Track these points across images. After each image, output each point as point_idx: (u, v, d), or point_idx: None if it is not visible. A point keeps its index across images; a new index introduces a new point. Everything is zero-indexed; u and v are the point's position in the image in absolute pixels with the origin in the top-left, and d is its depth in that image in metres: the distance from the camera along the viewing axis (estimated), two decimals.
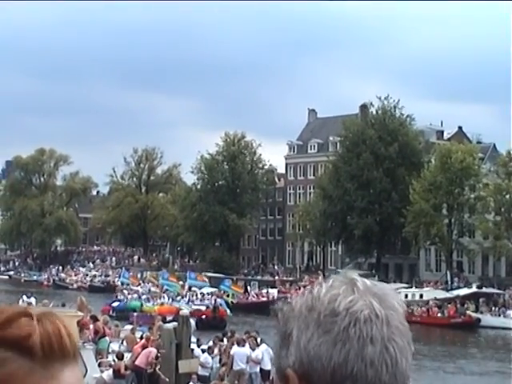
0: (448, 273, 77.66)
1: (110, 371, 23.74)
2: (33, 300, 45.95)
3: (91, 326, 27.78)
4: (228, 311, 57.76)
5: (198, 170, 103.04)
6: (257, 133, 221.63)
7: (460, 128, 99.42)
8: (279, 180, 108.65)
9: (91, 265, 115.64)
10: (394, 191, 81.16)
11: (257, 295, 74.67)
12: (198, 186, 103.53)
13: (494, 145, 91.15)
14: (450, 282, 76.06)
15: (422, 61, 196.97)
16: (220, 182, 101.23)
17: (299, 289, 66.50)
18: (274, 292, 74.27)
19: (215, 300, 60.86)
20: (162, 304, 58.18)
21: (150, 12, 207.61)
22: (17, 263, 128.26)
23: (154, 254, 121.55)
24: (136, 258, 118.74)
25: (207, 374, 26.13)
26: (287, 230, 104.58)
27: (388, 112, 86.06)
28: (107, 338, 28.18)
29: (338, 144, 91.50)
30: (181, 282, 71.36)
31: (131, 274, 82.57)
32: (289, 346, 1.39)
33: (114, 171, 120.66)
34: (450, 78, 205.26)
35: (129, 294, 65.22)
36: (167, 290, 66.46)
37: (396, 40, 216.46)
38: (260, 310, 60.51)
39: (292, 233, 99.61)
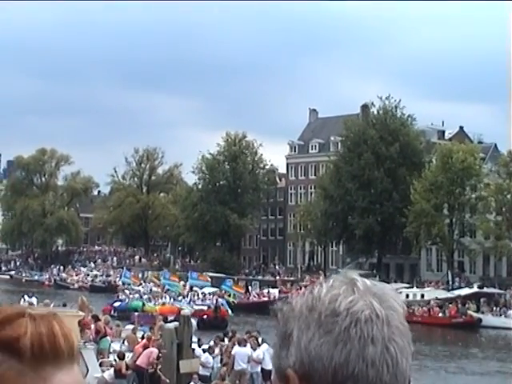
0: (449, 273, 77.68)
1: (111, 371, 23.76)
2: (34, 300, 46.01)
3: (92, 326, 27.81)
4: (229, 311, 57.75)
5: (199, 169, 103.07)
6: (258, 133, 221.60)
7: (461, 128, 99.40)
8: (280, 180, 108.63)
9: (92, 265, 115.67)
10: (395, 191, 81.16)
11: (258, 295, 74.69)
12: (199, 186, 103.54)
13: (495, 145, 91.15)
14: (451, 282, 76.08)
15: (423, 61, 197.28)
16: (221, 182, 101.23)
17: (300, 289, 66.44)
18: (275, 292, 74.28)
19: (217, 300, 60.83)
20: (164, 304, 58.16)
21: (149, 12, 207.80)
22: (18, 263, 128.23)
23: (155, 254, 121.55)
24: (137, 257, 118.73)
25: (208, 374, 26.15)
26: (288, 229, 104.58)
27: (389, 112, 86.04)
28: (108, 337, 28.19)
29: (339, 144, 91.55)
30: (182, 282, 71.41)
31: (132, 273, 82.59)
32: (289, 346, 1.38)
33: (115, 171, 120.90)
34: (451, 78, 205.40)
35: (130, 293, 65.22)
36: (168, 289, 66.51)
37: (397, 40, 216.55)
38: (261, 309, 60.46)
39: (293, 233, 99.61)
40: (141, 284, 75.13)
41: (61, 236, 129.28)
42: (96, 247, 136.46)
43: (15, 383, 1.21)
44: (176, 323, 26.29)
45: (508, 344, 51.95)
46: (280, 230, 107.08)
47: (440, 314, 64.13)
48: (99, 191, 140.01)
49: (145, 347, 25.10)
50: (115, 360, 25.16)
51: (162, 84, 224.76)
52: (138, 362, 24.18)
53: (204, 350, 27.56)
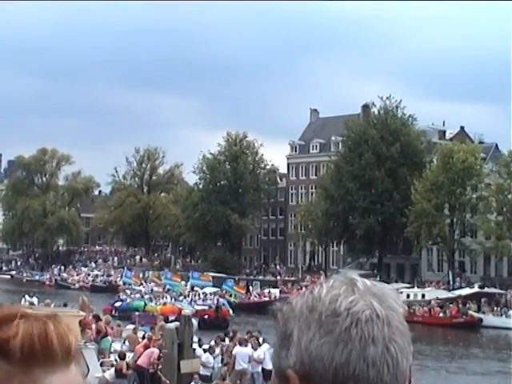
0: (450, 273, 77.66)
1: (112, 370, 23.77)
2: (35, 300, 45.99)
3: (93, 326, 27.83)
4: (230, 311, 57.74)
5: (200, 169, 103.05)
6: (259, 133, 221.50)
7: (462, 128, 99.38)
8: (281, 180, 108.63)
9: (93, 265, 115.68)
10: (395, 191, 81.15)
11: (259, 295, 74.68)
12: (200, 186, 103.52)
13: (496, 145, 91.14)
14: (451, 282, 76.07)
15: (424, 61, 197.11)
16: (222, 182, 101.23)
17: (301, 289, 66.45)
18: (275, 292, 74.25)
19: (218, 300, 60.83)
20: (165, 304, 58.16)
21: (150, 12, 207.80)
22: (19, 263, 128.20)
23: (155, 254, 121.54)
24: (138, 257, 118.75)
25: (209, 374, 26.17)
26: (289, 229, 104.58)
27: (390, 112, 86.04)
28: (109, 337, 28.21)
29: (340, 144, 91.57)
30: (183, 282, 71.43)
31: (133, 273, 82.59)
32: (289, 346, 1.38)
33: (116, 171, 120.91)
34: (451, 78, 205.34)
35: (131, 293, 65.23)
36: (169, 289, 66.52)
37: (398, 40, 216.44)
38: (262, 309, 60.30)
39: (294, 233, 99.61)
40: (141, 284, 75.13)
41: (62, 236, 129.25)
42: (97, 247, 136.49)
43: None
44: (177, 323, 26.31)
45: (509, 344, 51.87)
46: (281, 230, 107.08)
47: (441, 314, 64.14)
48: (100, 191, 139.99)
49: (146, 347, 25.11)
50: (116, 360, 25.18)
51: (163, 84, 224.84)
52: (138, 362, 24.19)
53: (205, 350, 27.57)
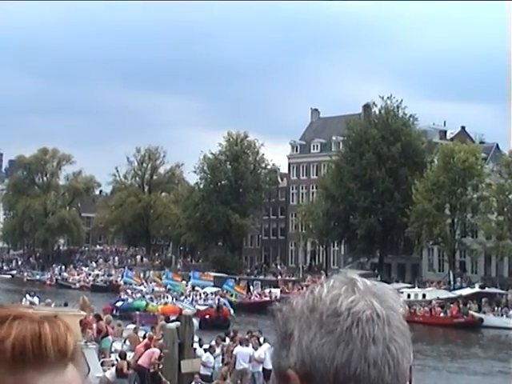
0: (451, 273, 77.62)
1: (113, 369, 23.76)
2: (36, 299, 46.02)
3: (94, 326, 27.84)
4: (231, 311, 57.74)
5: (201, 169, 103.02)
6: (259, 132, 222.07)
7: (463, 128, 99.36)
8: (282, 180, 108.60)
9: (94, 264, 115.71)
10: (396, 191, 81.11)
11: (259, 295, 74.69)
12: (201, 186, 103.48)
13: (497, 145, 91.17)
14: (452, 282, 76.03)
15: (425, 61, 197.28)
16: (223, 182, 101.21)
17: (302, 288, 66.40)
18: (276, 292, 74.21)
19: (219, 300, 60.85)
20: (166, 304, 58.17)
21: (150, 12, 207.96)
22: (19, 262, 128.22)
23: (156, 254, 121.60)
24: (139, 257, 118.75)
25: (209, 374, 26.17)
26: (290, 229, 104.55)
27: (391, 112, 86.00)
28: (110, 337, 28.23)
29: (341, 144, 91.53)
30: (184, 282, 71.43)
31: (134, 273, 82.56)
32: (289, 346, 1.38)
33: (117, 171, 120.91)
34: (452, 78, 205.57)
35: (132, 293, 65.23)
36: (170, 289, 66.54)
37: (399, 40, 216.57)
38: (263, 309, 60.38)
39: (295, 232, 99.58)
40: (142, 284, 75.12)
41: (62, 235, 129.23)
42: (97, 247, 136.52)
43: None
44: (177, 323, 26.31)
45: (509, 344, 51.90)
46: (282, 230, 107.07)
47: (441, 314, 64.13)
48: (101, 191, 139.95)
49: (146, 347, 25.10)
50: (117, 359, 25.17)
51: (164, 84, 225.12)
52: (139, 362, 24.19)
53: (205, 350, 27.58)
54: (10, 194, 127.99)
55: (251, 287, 79.39)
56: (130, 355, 25.48)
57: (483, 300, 66.00)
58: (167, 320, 32.36)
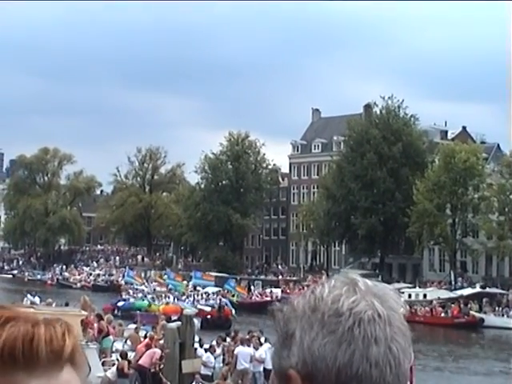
0: (451, 273, 77.62)
1: (114, 368, 23.75)
2: (37, 299, 46.02)
3: (95, 325, 27.85)
4: (233, 311, 57.75)
5: (202, 169, 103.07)
6: (260, 132, 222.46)
7: (464, 128, 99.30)
8: (283, 180, 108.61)
9: (95, 264, 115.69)
10: (397, 191, 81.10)
11: (260, 295, 74.69)
12: (202, 186, 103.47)
13: (498, 145, 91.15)
14: (453, 282, 76.02)
15: (426, 61, 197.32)
16: (224, 182, 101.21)
17: (303, 288, 66.38)
18: (277, 292, 74.21)
19: (220, 300, 60.86)
20: (167, 303, 58.19)
21: (150, 12, 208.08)
22: (20, 262, 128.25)
23: (157, 254, 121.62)
24: (140, 257, 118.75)
25: (210, 374, 26.19)
26: (291, 229, 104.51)
27: (392, 112, 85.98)
28: (111, 337, 28.24)
29: (342, 144, 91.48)
30: (185, 282, 71.44)
31: (135, 273, 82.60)
32: (291, 346, 1.38)
33: (118, 170, 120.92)
34: (453, 78, 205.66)
35: (134, 293, 65.24)
36: (171, 289, 66.59)
37: (400, 40, 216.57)
38: (263, 309, 60.44)
39: (296, 232, 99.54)
40: (144, 284, 75.12)
41: (63, 235, 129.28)
42: (98, 246, 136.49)
43: None
44: (178, 323, 26.32)
45: (510, 344, 51.94)
46: (282, 230, 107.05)
47: (442, 314, 64.15)
48: (102, 191, 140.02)
49: (147, 347, 25.09)
50: (117, 359, 25.18)
51: (164, 84, 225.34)
52: (140, 362, 24.18)
53: (206, 350, 27.59)
54: (11, 194, 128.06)
55: (252, 287, 79.41)
56: (130, 355, 25.48)
57: (484, 300, 66.01)
58: (168, 320, 32.33)
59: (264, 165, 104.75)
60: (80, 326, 23.73)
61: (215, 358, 27.38)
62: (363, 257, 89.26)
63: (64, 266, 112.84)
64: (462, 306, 64.26)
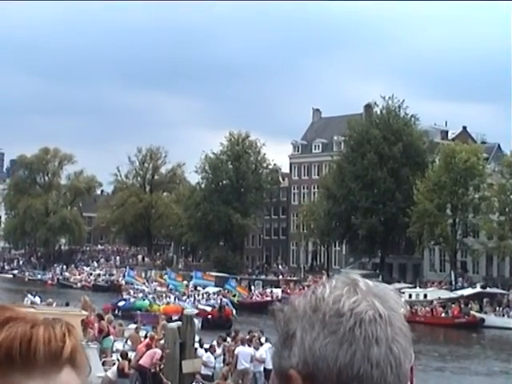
0: (452, 273, 77.61)
1: (115, 368, 23.72)
2: (37, 299, 46.03)
3: (96, 325, 27.85)
4: (234, 311, 57.74)
5: (202, 169, 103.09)
6: (261, 132, 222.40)
7: (464, 128, 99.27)
8: (283, 179, 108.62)
9: (95, 264, 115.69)
10: (398, 191, 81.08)
11: (261, 295, 74.68)
12: (202, 186, 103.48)
13: (499, 145, 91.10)
14: (454, 282, 76.00)
15: (427, 61, 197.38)
16: (224, 182, 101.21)
17: (303, 288, 66.34)
18: (278, 292, 74.21)
19: (221, 300, 60.86)
20: (168, 303, 58.19)
21: (150, 12, 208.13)
22: (21, 262, 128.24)
23: (158, 254, 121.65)
24: (140, 257, 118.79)
25: (210, 374, 26.18)
26: (291, 229, 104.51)
27: (392, 112, 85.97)
28: (111, 337, 28.23)
29: (343, 144, 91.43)
30: (185, 282, 71.41)
31: (135, 273, 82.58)
32: (291, 346, 1.38)
33: (119, 170, 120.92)
34: (454, 78, 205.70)
35: (134, 293, 65.24)
36: (172, 289, 66.59)
37: (401, 40, 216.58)
38: (264, 309, 60.44)
39: (296, 232, 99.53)
40: (144, 283, 75.10)
41: (64, 235, 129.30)
42: (99, 246, 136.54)
43: None
44: (179, 323, 26.31)
45: (511, 344, 51.93)
46: (283, 230, 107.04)
47: (443, 314, 64.14)
48: (102, 190, 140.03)
49: (148, 347, 25.07)
50: (118, 359, 25.17)
51: (165, 84, 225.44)
52: (140, 362, 24.16)
53: (206, 350, 27.59)
54: (11, 194, 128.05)
55: (252, 287, 79.42)
56: (131, 355, 25.47)
57: (484, 300, 66.00)
58: (169, 320, 32.32)
59: (264, 165, 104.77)
60: (80, 326, 23.73)
61: (215, 358, 27.37)
62: (364, 257, 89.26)
63: (64, 266, 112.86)
64: (462, 306, 64.24)
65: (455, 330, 58.38)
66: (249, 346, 26.85)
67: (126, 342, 29.90)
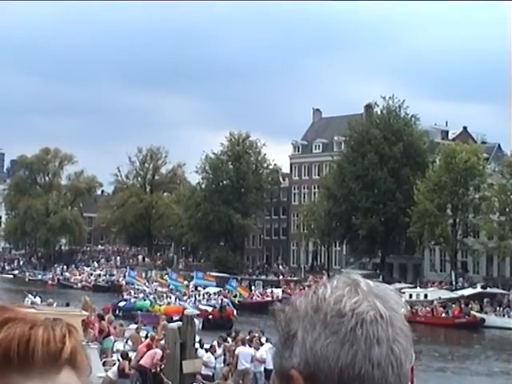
0: (452, 273, 77.60)
1: (115, 368, 23.73)
2: (38, 299, 46.05)
3: (96, 325, 27.85)
4: (235, 311, 57.75)
5: (203, 169, 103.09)
6: (261, 132, 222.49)
7: (465, 128, 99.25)
8: (284, 180, 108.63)
9: (96, 264, 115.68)
10: (398, 191, 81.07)
11: (261, 295, 74.67)
12: (203, 186, 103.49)
13: (499, 145, 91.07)
14: (454, 282, 75.99)
15: (427, 61, 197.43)
16: (224, 182, 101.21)
17: (304, 289, 66.30)
18: (278, 292, 74.22)
19: (222, 300, 60.87)
20: (169, 304, 58.20)
21: (150, 12, 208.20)
22: (21, 262, 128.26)
23: (158, 254, 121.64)
24: (140, 257, 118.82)
25: (211, 374, 26.18)
26: (292, 229, 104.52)
27: (393, 112, 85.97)
28: (112, 337, 28.23)
29: (343, 144, 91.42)
30: (186, 282, 71.41)
31: (136, 273, 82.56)
32: (293, 346, 1.38)
33: (119, 170, 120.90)
34: (454, 78, 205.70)
35: (135, 293, 65.23)
36: (172, 289, 66.60)
37: (400, 40, 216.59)
38: (264, 309, 60.43)
39: (296, 232, 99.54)
40: (145, 284, 75.08)
41: (64, 235, 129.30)
42: (99, 247, 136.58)
43: None
44: (179, 323, 26.29)
45: (511, 344, 51.91)
46: (283, 230, 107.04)
47: (443, 314, 64.13)
48: (103, 191, 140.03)
49: (148, 347, 25.07)
50: (118, 359, 25.17)
51: (165, 84, 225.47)
52: (141, 362, 24.16)
53: (206, 350, 27.58)
54: (11, 194, 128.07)
55: (253, 287, 79.42)
56: (131, 355, 25.47)
57: (485, 300, 65.99)
58: (170, 320, 32.31)
59: (265, 165, 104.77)
60: (81, 327, 23.73)
61: (216, 358, 27.37)
62: (364, 257, 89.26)
63: (65, 266, 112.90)
64: (462, 306, 64.23)
65: (456, 330, 58.37)
66: (249, 346, 26.84)
67: (127, 342, 29.90)
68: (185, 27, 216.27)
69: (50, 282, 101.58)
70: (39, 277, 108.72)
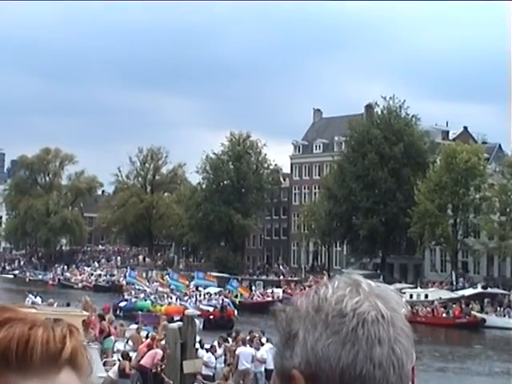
0: (453, 273, 77.58)
1: (116, 368, 23.72)
2: (38, 299, 46.07)
3: (97, 325, 27.84)
4: (235, 311, 57.73)
5: (203, 169, 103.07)
6: (262, 132, 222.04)
7: (465, 128, 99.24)
8: (284, 180, 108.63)
9: (96, 264, 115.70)
10: (399, 191, 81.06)
11: (262, 295, 74.66)
12: (203, 186, 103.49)
13: (500, 145, 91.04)
14: (455, 283, 75.99)
15: (428, 61, 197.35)
16: (225, 182, 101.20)
17: (304, 289, 66.36)
18: (278, 292, 74.22)
19: (222, 300, 60.86)
20: (170, 304, 58.19)
21: (150, 12, 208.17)
22: (22, 262, 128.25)
23: (158, 254, 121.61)
24: (141, 257, 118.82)
25: (211, 374, 26.17)
26: (292, 229, 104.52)
27: (393, 112, 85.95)
28: (112, 337, 28.21)
29: (343, 144, 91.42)
30: (186, 282, 71.40)
31: (136, 273, 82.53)
32: (294, 346, 1.38)
33: (120, 171, 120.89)
34: (454, 78, 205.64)
35: (136, 293, 65.22)
36: (173, 289, 66.59)
37: (401, 40, 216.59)
38: (265, 309, 60.44)
39: (297, 233, 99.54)
40: (145, 284, 75.04)
41: (65, 235, 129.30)
42: (100, 247, 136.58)
43: None
44: (180, 323, 26.28)
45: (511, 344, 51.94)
46: (284, 230, 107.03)
47: (444, 315, 64.11)
48: (103, 191, 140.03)
49: (149, 347, 25.06)
50: (119, 360, 25.16)
51: (165, 84, 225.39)
52: (141, 362, 24.15)
53: (207, 350, 27.58)
54: (12, 194, 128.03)
55: (253, 287, 79.41)
56: (132, 355, 25.46)
57: (485, 300, 65.97)
58: (171, 320, 32.30)
59: (265, 165, 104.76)
60: (81, 327, 23.73)
61: (216, 359, 27.37)
62: (364, 257, 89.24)
63: (65, 267, 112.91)
64: (463, 306, 64.22)
65: (456, 331, 58.36)
66: (250, 346, 26.84)
67: (127, 342, 29.89)
68: (185, 27, 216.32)
69: (50, 282, 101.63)
70: (40, 277, 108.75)
